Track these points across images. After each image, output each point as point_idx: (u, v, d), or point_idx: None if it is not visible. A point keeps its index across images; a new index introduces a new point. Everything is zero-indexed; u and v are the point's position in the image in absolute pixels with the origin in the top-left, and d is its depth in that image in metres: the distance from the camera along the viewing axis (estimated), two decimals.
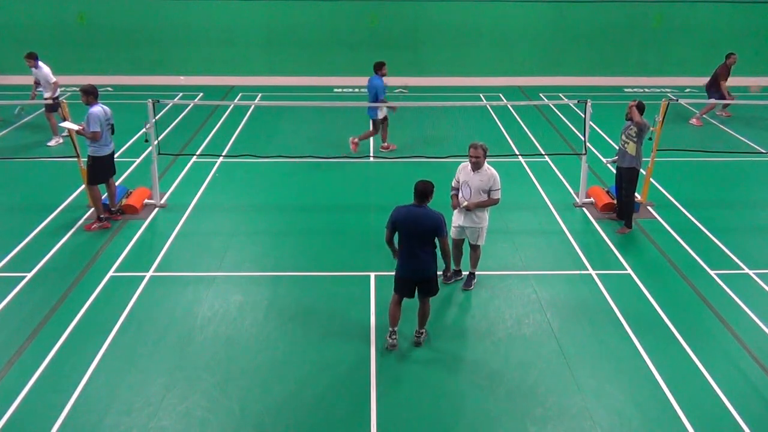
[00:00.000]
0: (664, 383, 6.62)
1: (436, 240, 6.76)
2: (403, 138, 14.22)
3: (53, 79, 13.37)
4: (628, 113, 9.50)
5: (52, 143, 13.34)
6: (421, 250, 6.74)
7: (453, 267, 8.40)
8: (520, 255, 9.17)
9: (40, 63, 13.36)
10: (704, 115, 15.70)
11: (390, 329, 7.11)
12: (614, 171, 10.25)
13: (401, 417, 6.18)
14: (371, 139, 13.99)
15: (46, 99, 13.00)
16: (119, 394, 6.37)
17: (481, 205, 7.87)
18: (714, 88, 15.17)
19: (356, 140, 13.01)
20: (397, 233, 6.82)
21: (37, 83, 13.64)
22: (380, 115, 12.92)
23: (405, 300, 7.09)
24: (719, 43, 18.03)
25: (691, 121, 15.46)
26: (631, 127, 9.50)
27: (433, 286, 7.00)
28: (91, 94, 9.51)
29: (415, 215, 6.65)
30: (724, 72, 15.08)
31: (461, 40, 19.35)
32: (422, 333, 7.21)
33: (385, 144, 13.51)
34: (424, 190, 6.67)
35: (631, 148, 9.55)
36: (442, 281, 8.20)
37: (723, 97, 14.92)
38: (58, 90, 13.48)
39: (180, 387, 6.50)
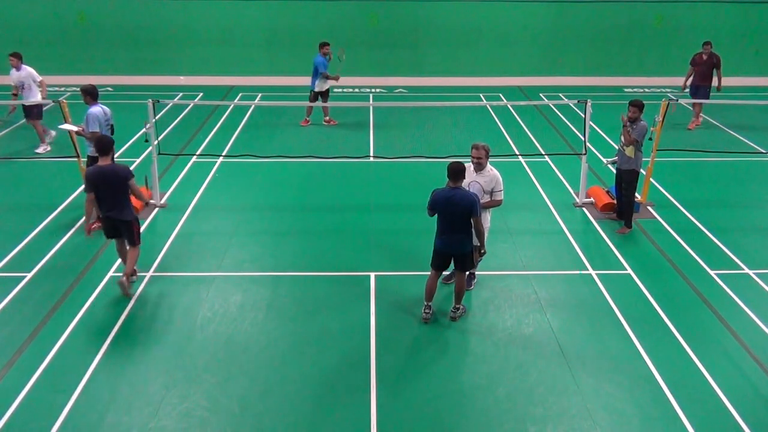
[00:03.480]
0: (664, 383, 6.61)
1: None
2: (404, 138, 14.24)
3: (39, 77, 12.89)
4: (627, 117, 9.52)
5: (40, 150, 12.98)
6: (458, 227, 7.18)
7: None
8: (520, 255, 9.17)
9: (23, 64, 12.80)
10: (701, 114, 15.45)
11: (425, 303, 7.61)
12: (614, 171, 10.25)
13: (401, 417, 6.17)
14: (372, 139, 14.04)
15: (32, 101, 12.53)
16: (119, 394, 6.37)
17: (485, 206, 7.86)
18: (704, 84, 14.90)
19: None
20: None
21: (18, 88, 12.89)
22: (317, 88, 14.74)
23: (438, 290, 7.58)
24: (719, 43, 17.99)
25: (689, 127, 15.17)
26: (630, 130, 9.50)
27: (468, 261, 7.42)
28: (89, 95, 9.51)
29: (452, 196, 7.09)
30: (692, 59, 14.89)
31: (461, 40, 19.35)
32: (458, 308, 7.64)
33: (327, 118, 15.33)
34: (457, 170, 7.10)
35: (629, 150, 9.55)
36: (442, 281, 8.20)
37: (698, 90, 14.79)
38: (46, 90, 13.17)
39: (180, 387, 6.50)
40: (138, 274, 8.46)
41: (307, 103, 14.91)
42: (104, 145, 7.93)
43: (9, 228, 9.78)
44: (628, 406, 6.32)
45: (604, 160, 10.97)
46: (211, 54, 19.22)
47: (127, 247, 8.16)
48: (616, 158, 9.97)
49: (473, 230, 7.26)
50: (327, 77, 14.59)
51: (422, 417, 6.18)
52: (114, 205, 7.86)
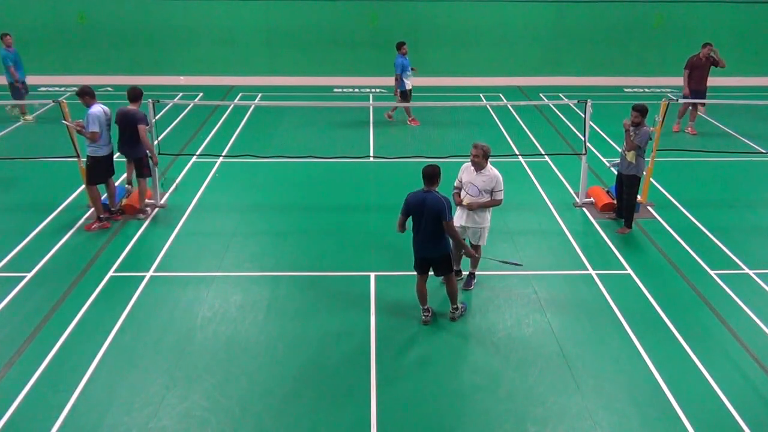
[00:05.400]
0: (664, 383, 6.61)
1: None
2: (403, 138, 14.24)
3: None
4: (629, 122, 9.49)
5: None
6: (430, 232, 7.10)
7: (457, 268, 8.40)
8: (520, 255, 9.17)
9: None
10: (695, 117, 14.89)
11: (421, 307, 7.57)
12: (616, 173, 10.23)
13: (401, 417, 6.17)
14: (372, 139, 14.08)
15: None
16: (119, 394, 6.37)
17: (484, 206, 7.86)
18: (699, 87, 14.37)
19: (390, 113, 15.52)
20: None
21: None
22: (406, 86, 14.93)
23: (433, 290, 7.56)
24: (719, 43, 17.96)
25: (686, 131, 14.76)
26: (632, 135, 9.50)
27: (444, 265, 7.35)
28: (87, 95, 9.51)
29: (422, 199, 7.04)
30: (690, 62, 14.26)
31: (461, 40, 19.35)
32: (456, 308, 7.60)
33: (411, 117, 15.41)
34: (430, 174, 7.07)
35: (630, 155, 9.53)
36: (441, 282, 8.18)
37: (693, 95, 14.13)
38: None
39: (180, 387, 6.50)
40: (147, 214, 10.19)
41: (397, 104, 14.83)
42: (132, 92, 9.87)
43: (9, 228, 9.78)
44: (628, 406, 6.32)
45: (608, 163, 10.93)
46: (211, 54, 19.22)
47: (137, 181, 10.16)
48: (618, 161, 9.93)
49: (447, 235, 7.15)
50: (397, 79, 14.70)
51: (422, 417, 6.18)
52: (126, 142, 9.89)
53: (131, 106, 9.82)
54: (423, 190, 7.08)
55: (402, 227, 7.30)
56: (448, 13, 19.09)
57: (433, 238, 7.12)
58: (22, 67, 14.95)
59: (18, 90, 14.84)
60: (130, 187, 10.74)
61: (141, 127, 9.68)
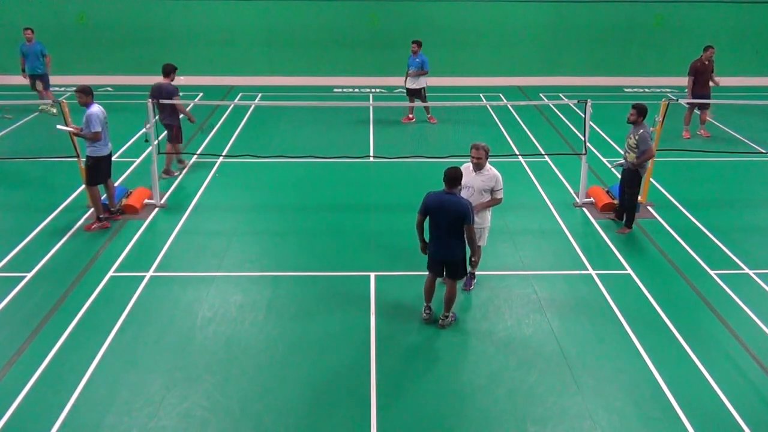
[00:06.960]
0: (664, 383, 6.61)
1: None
2: (403, 138, 14.24)
3: None
4: (629, 119, 9.52)
5: None
6: (449, 234, 7.08)
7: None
8: (520, 255, 9.17)
9: None
10: (705, 121, 14.78)
11: (425, 304, 7.61)
12: (619, 176, 10.19)
13: (401, 417, 6.18)
14: (372, 139, 14.10)
15: None
16: (119, 394, 6.37)
17: (485, 206, 7.86)
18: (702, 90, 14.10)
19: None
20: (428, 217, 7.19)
21: None
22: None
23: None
24: (719, 43, 17.99)
25: (699, 132, 14.59)
26: (631, 137, 9.51)
27: (459, 268, 7.33)
28: (90, 95, 9.53)
29: (445, 202, 7.00)
30: (693, 67, 13.95)
31: (461, 40, 19.35)
32: (447, 316, 7.54)
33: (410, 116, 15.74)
34: (454, 176, 7.02)
35: (631, 157, 9.54)
36: (442, 281, 8.18)
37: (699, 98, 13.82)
38: None
39: (180, 387, 6.50)
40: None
41: (407, 103, 15.52)
42: (166, 67, 11.51)
43: (9, 228, 9.78)
44: (628, 406, 6.32)
45: (610, 166, 10.91)
46: (211, 54, 19.20)
47: (172, 146, 11.72)
48: (622, 161, 9.92)
49: (465, 238, 7.14)
50: (407, 74, 15.18)
51: (422, 417, 6.18)
52: (162, 111, 11.26)
53: (163, 80, 11.34)
54: (444, 191, 7.05)
55: (420, 227, 7.26)
56: (448, 13, 19.09)
57: (451, 241, 7.11)
58: (34, 61, 15.38)
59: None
60: (167, 175, 11.73)
61: (176, 98, 11.09)
